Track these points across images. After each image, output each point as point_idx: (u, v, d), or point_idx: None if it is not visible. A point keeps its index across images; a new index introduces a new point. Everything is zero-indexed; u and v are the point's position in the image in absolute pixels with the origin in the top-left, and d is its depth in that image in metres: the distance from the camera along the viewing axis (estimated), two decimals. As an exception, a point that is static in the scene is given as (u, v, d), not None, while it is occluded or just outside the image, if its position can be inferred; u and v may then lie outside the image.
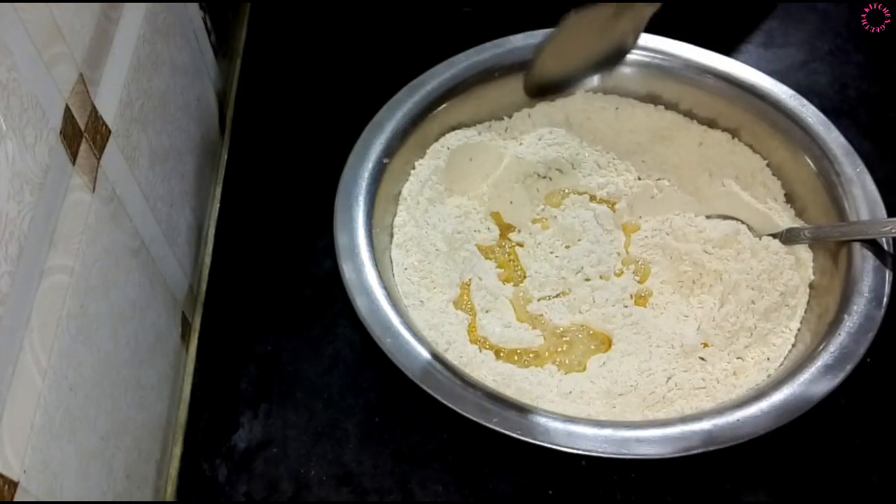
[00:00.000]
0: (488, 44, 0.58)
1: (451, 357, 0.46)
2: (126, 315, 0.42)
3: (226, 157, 0.62)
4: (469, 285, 0.52)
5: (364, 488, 0.45)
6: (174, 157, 0.52)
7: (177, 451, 0.48)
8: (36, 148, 0.32)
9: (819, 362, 0.43)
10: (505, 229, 0.56)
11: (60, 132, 0.35)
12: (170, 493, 0.47)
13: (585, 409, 0.46)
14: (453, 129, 0.57)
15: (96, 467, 0.37)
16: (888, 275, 0.46)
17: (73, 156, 0.36)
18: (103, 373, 0.39)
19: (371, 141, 0.52)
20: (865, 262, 0.47)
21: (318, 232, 0.54)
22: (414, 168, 0.55)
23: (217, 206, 0.58)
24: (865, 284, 0.46)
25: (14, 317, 0.30)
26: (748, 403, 0.42)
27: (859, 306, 0.45)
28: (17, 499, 0.29)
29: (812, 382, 0.41)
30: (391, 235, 0.52)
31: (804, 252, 0.51)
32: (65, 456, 0.34)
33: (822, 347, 0.44)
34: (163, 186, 0.50)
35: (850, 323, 0.44)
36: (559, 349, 0.50)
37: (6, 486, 0.28)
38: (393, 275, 0.50)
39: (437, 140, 0.56)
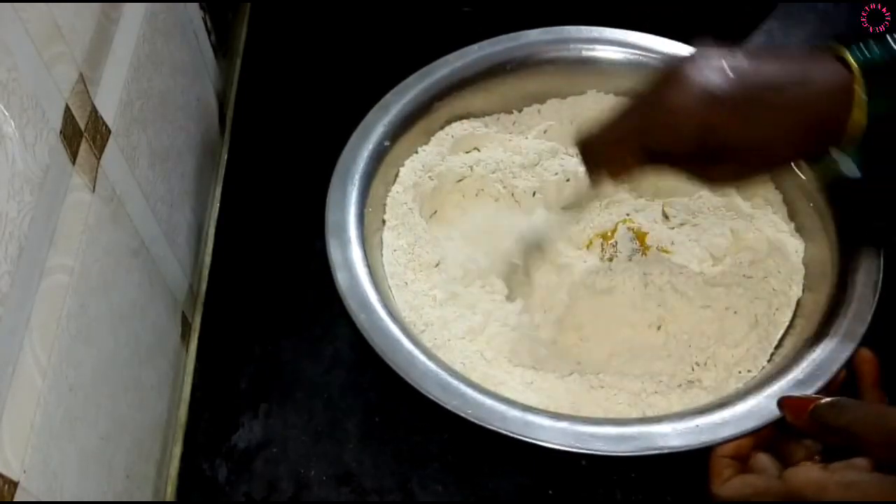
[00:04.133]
0: (503, 36, 0.57)
1: (426, 339, 0.46)
2: (126, 315, 0.42)
3: (226, 157, 0.62)
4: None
5: (364, 488, 0.45)
6: (174, 157, 0.52)
7: (177, 451, 0.48)
8: (36, 148, 0.32)
9: (790, 376, 0.42)
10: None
11: (60, 132, 0.35)
12: (170, 493, 0.47)
13: (545, 401, 0.45)
14: (461, 118, 0.57)
15: (96, 467, 0.37)
16: (876, 294, 0.45)
17: (73, 156, 0.36)
18: (103, 373, 0.39)
19: (374, 123, 0.52)
20: (854, 282, 0.45)
21: (318, 232, 0.54)
22: (417, 153, 0.55)
23: (217, 206, 0.59)
24: (849, 306, 0.45)
25: (14, 317, 0.30)
26: (709, 411, 0.41)
27: (840, 325, 0.44)
28: (17, 499, 0.29)
29: (776, 396, 0.40)
30: (384, 217, 0.52)
31: (794, 258, 0.51)
32: (65, 456, 0.34)
33: (795, 362, 0.43)
34: (163, 186, 0.50)
35: (828, 340, 0.43)
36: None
37: (6, 486, 0.28)
38: (381, 255, 0.50)
39: (442, 128, 0.56)
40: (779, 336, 0.48)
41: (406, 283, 0.49)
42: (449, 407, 0.40)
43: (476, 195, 0.56)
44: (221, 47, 0.67)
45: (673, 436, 0.40)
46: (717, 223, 0.54)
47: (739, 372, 0.47)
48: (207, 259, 0.56)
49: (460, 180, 0.55)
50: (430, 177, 0.54)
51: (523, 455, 0.46)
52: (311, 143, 0.61)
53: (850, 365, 0.42)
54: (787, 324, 0.48)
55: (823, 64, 0.38)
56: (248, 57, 0.68)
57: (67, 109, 0.36)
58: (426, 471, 0.46)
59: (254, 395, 0.49)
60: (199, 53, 0.60)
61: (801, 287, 0.50)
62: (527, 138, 0.58)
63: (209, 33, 0.63)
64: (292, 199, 0.57)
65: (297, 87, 0.65)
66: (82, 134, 0.37)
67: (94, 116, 0.39)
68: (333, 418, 0.48)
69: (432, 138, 0.56)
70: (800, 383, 0.41)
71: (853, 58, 0.37)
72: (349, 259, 0.46)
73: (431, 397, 0.40)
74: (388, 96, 0.53)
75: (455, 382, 0.41)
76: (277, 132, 0.62)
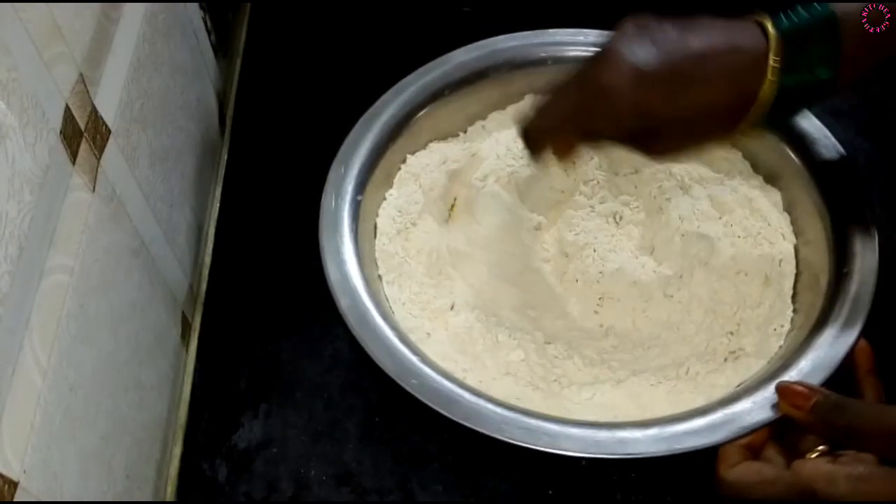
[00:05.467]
0: (431, 63, 0.56)
1: (472, 383, 0.44)
2: (126, 315, 0.42)
3: (226, 157, 0.62)
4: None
5: (364, 488, 0.45)
6: (174, 157, 0.52)
7: (177, 451, 0.48)
8: (36, 148, 0.32)
9: (834, 324, 0.42)
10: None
11: (60, 132, 0.35)
12: (170, 493, 0.47)
13: (615, 413, 0.45)
14: (414, 153, 0.56)
15: (96, 467, 0.37)
16: (874, 222, 0.45)
17: (73, 156, 0.36)
18: (103, 373, 0.39)
19: (340, 180, 0.50)
20: (848, 219, 0.46)
21: (318, 232, 0.54)
22: (385, 199, 0.54)
23: (217, 206, 0.59)
24: (854, 242, 0.45)
25: (14, 317, 0.30)
26: (774, 377, 0.41)
27: (854, 263, 0.44)
28: (17, 499, 0.29)
29: (831, 344, 0.41)
30: (379, 273, 0.51)
31: (775, 208, 0.51)
32: (65, 456, 0.34)
33: (829, 309, 0.43)
34: (163, 186, 0.50)
35: (847, 280, 0.44)
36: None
37: (6, 486, 0.28)
38: (392, 311, 0.48)
39: (400, 168, 0.55)
40: (791, 285, 0.49)
41: (428, 335, 0.48)
42: (538, 447, 0.39)
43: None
44: (221, 47, 0.67)
45: (756, 410, 0.39)
46: (692, 193, 0.54)
47: (774, 329, 0.47)
48: (207, 259, 0.56)
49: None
50: (411, 221, 0.53)
51: (523, 455, 0.46)
52: (311, 142, 0.61)
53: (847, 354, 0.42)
54: (794, 272, 0.49)
55: (745, 32, 0.37)
56: (248, 57, 0.68)
57: (67, 109, 0.36)
58: (426, 471, 0.46)
59: (254, 395, 0.49)
60: (199, 53, 0.60)
61: (792, 234, 0.50)
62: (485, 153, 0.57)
63: (209, 33, 0.63)
64: (292, 199, 0.57)
65: (297, 88, 0.65)
66: (82, 134, 0.37)
67: (94, 116, 0.39)
68: (333, 418, 0.48)
69: (394, 180, 0.54)
70: (843, 327, 0.42)
71: (775, 25, 0.37)
72: (378, 333, 0.44)
73: (519, 443, 0.39)
74: (343, 149, 0.52)
75: (535, 422, 0.40)
76: (277, 132, 0.62)
